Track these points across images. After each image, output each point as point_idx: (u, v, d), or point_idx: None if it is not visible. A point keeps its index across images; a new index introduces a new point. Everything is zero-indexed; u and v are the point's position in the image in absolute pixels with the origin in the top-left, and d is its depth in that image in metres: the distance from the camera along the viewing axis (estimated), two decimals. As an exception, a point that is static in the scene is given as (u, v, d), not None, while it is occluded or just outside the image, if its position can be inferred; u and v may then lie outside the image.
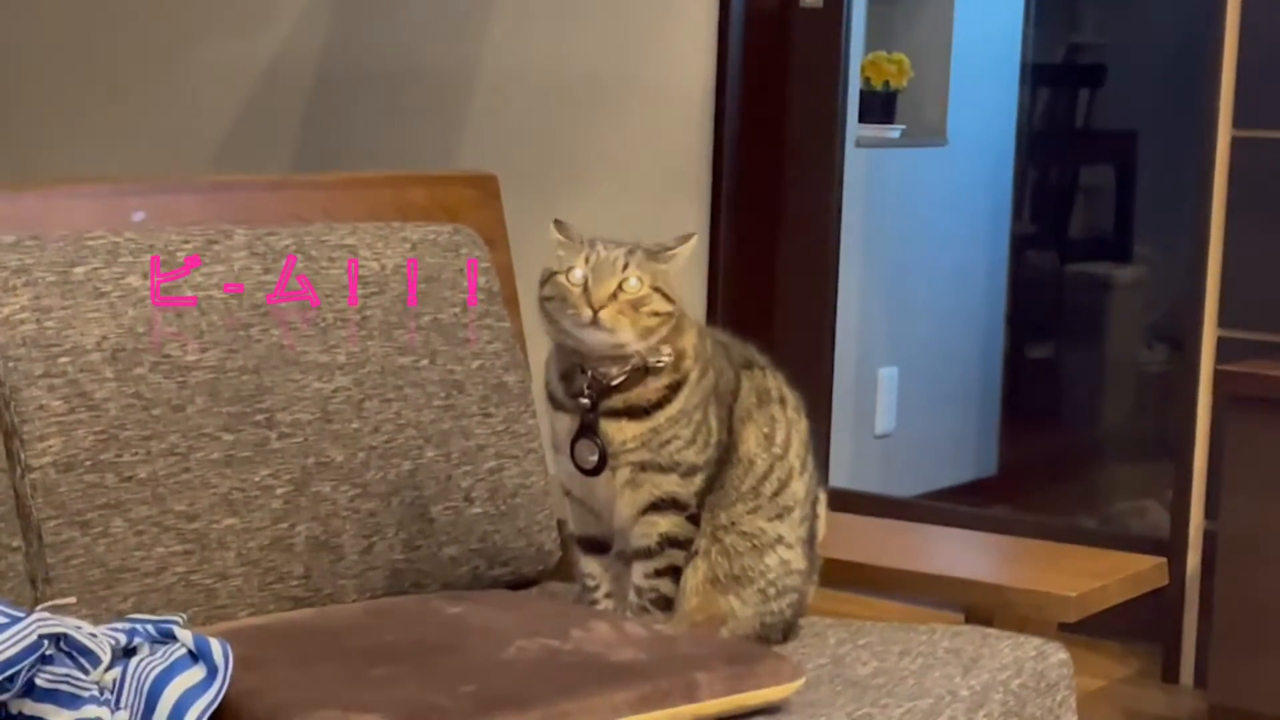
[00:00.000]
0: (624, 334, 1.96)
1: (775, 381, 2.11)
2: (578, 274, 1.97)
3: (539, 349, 2.10)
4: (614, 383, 1.99)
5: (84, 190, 2.26)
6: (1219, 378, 3.35)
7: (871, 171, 4.73)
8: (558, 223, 2.03)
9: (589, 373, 2.00)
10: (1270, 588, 3.14)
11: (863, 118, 4.75)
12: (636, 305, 1.96)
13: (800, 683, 1.86)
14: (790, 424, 2.09)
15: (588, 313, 1.95)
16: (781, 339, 3.99)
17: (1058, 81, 6.26)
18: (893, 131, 4.96)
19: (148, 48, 4.74)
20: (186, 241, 2.13)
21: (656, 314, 1.97)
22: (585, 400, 2.01)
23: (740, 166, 3.99)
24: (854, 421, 4.73)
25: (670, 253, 2.00)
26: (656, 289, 1.97)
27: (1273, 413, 3.11)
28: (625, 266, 1.96)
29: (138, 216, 2.20)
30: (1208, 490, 3.51)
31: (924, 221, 4.98)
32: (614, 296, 1.95)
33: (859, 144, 4.62)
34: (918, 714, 1.89)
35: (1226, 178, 3.44)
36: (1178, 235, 3.95)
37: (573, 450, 2.03)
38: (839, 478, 4.44)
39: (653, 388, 2.00)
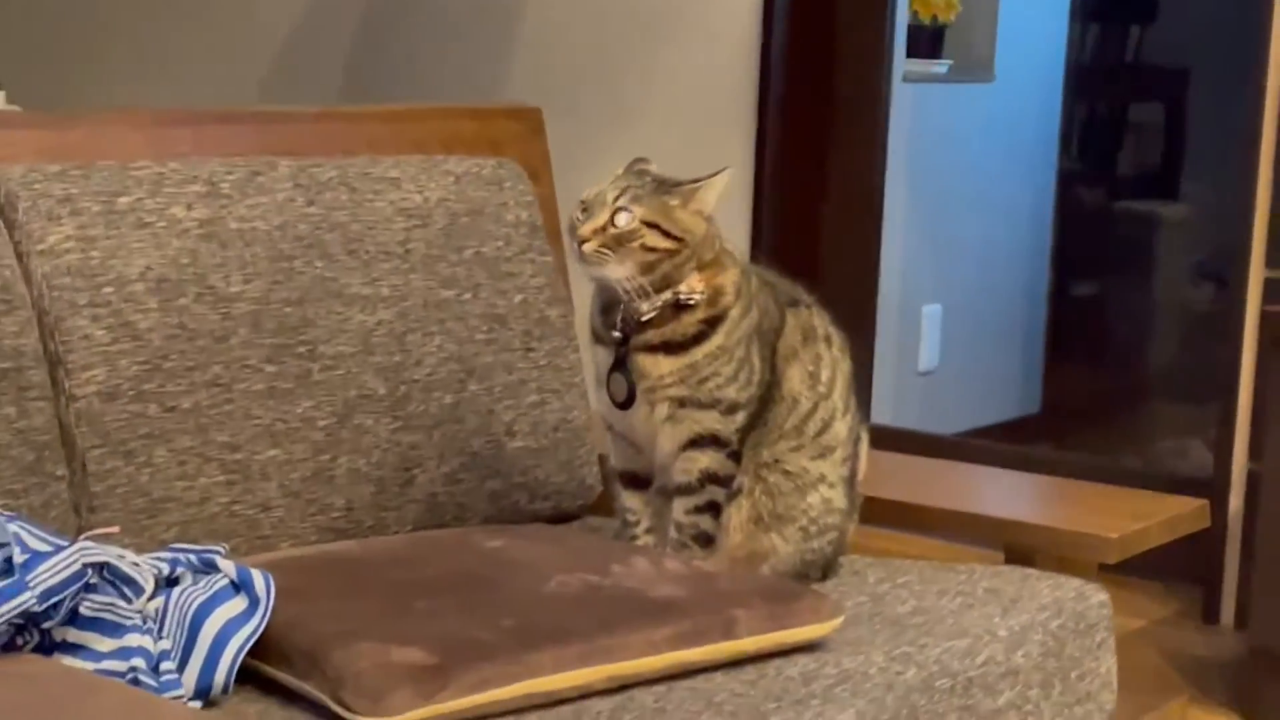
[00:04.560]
0: (610, 268, 1.96)
1: (820, 320, 2.11)
2: (579, 209, 1.98)
3: (583, 283, 2.10)
4: (644, 318, 1.99)
5: (130, 120, 2.26)
6: (1265, 318, 3.33)
7: (918, 107, 4.70)
8: (632, 161, 2.04)
9: (622, 307, 2.00)
10: (1313, 530, 3.13)
11: (910, 52, 4.72)
12: (624, 240, 1.96)
13: (839, 621, 1.87)
14: (835, 363, 2.09)
15: (575, 246, 1.96)
16: (826, 275, 3.97)
17: (1108, 17, 6.20)
18: (940, 67, 4.93)
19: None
20: (230, 172, 2.14)
21: (651, 249, 1.96)
22: (617, 334, 2.01)
23: (786, 101, 3.97)
24: (897, 358, 4.71)
25: (682, 188, 1.99)
26: (652, 224, 1.96)
27: (1319, 355, 3.09)
28: (617, 199, 1.96)
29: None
30: (1252, 431, 3.49)
31: (970, 158, 4.95)
32: (604, 230, 1.95)
33: (906, 79, 4.59)
34: (956, 653, 1.89)
35: (1277, 117, 3.41)
36: (1227, 174, 3.92)
37: (608, 384, 2.04)
38: (881, 415, 4.44)
39: (687, 323, 2.00)
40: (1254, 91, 3.44)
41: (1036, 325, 5.29)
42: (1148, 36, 6.28)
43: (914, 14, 4.87)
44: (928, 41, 4.91)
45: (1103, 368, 5.79)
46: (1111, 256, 6.08)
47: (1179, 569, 3.61)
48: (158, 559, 1.73)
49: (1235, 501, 3.53)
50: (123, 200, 2.04)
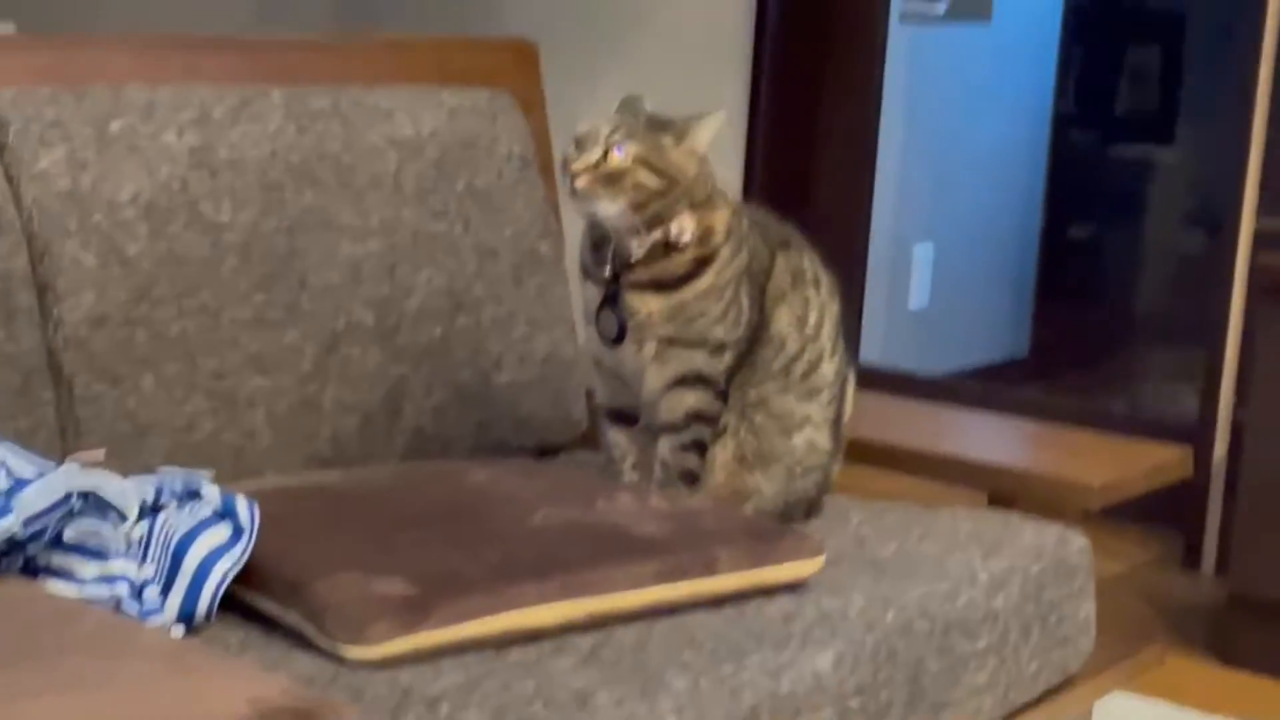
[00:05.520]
0: (602, 204, 1.96)
1: (810, 262, 2.11)
2: (572, 144, 1.98)
3: (575, 218, 2.09)
4: (635, 256, 2.00)
5: (122, 45, 2.25)
6: (1255, 267, 3.33)
7: (915, 47, 4.68)
8: (627, 98, 2.03)
9: (613, 244, 2.00)
10: (1296, 479, 3.14)
11: (908, -9, 4.70)
12: (615, 177, 1.96)
13: (821, 561, 1.88)
14: (823, 306, 2.09)
15: (568, 182, 1.96)
16: (818, 213, 3.97)
17: (1107, -41, 6.18)
18: (937, 7, 4.90)
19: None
20: (222, 100, 2.13)
21: (643, 187, 1.96)
22: (608, 271, 2.01)
23: (782, 39, 3.96)
24: (888, 297, 4.72)
25: (676, 127, 1.99)
26: (644, 162, 1.96)
27: (1307, 305, 3.10)
28: (609, 136, 1.96)
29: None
30: (1239, 379, 3.50)
31: (966, 99, 4.94)
32: (596, 167, 1.95)
33: (903, 19, 4.58)
34: (936, 596, 1.90)
35: (1273, 65, 3.40)
36: (1222, 120, 3.91)
37: (597, 320, 2.04)
38: (871, 353, 4.44)
39: (678, 262, 2.00)
40: (1250, 38, 3.43)
41: (1028, 267, 5.29)
42: (1147, -22, 6.26)
43: (913, -47, 4.85)
44: (926, -19, 4.89)
45: (1093, 311, 5.79)
46: (1105, 200, 6.07)
47: (1162, 514, 3.63)
48: (143, 483, 1.73)
49: (1220, 448, 3.54)
50: (114, 125, 2.03)
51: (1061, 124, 5.51)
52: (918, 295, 4.85)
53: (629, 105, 2.03)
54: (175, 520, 1.71)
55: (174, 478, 1.75)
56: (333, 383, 2.13)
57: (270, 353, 2.08)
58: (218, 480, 1.80)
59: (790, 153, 4.04)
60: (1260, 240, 3.43)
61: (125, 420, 1.98)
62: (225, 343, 2.05)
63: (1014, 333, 5.24)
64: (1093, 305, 5.83)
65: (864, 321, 4.34)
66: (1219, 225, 3.66)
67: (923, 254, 4.84)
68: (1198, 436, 3.51)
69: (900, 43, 4.51)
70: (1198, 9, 6.02)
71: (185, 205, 2.04)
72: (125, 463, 1.94)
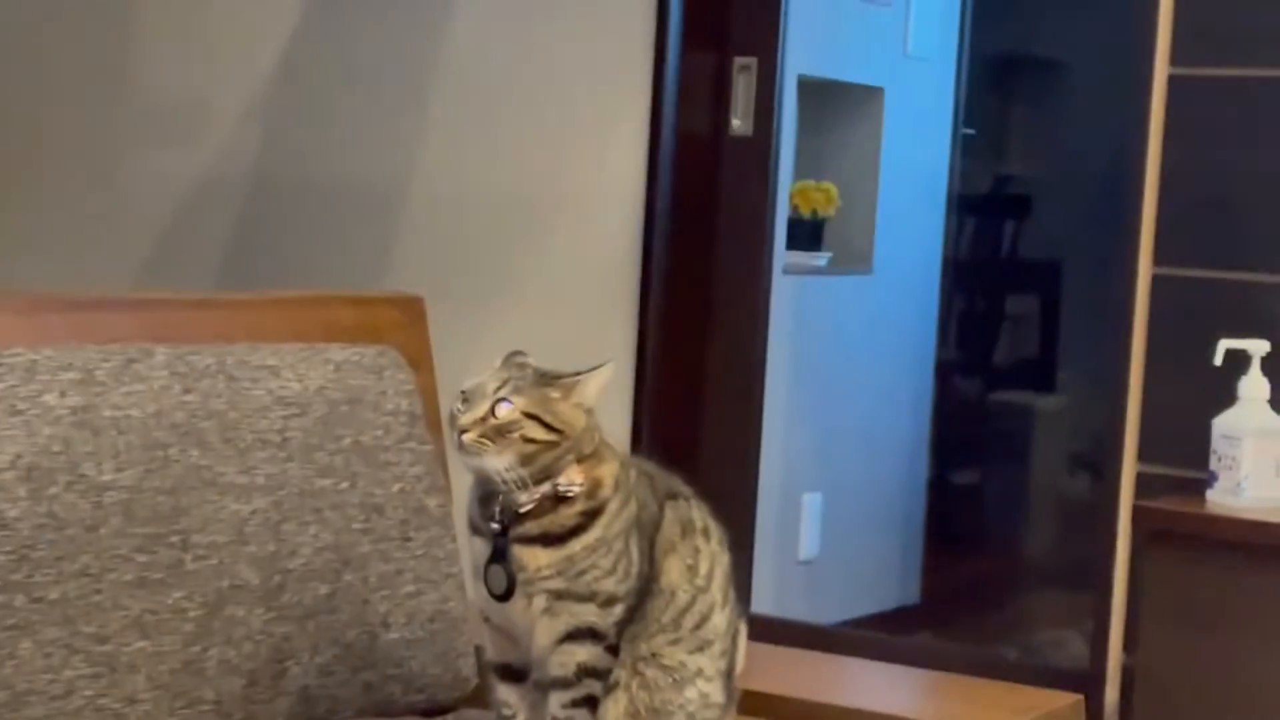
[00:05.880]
0: (490, 459, 1.96)
1: (699, 513, 2.11)
2: (459, 399, 1.98)
3: (462, 473, 2.09)
4: (523, 509, 1.99)
5: (4, 305, 2.24)
6: (1138, 513, 3.37)
7: (799, 298, 4.76)
8: (511, 354, 2.04)
9: (501, 498, 2.00)
10: (1188, 723, 3.14)
11: (790, 245, 4.79)
12: (504, 431, 1.96)
13: (715, 818, 1.85)
14: (713, 556, 2.09)
15: (455, 437, 1.96)
16: (706, 463, 3.99)
17: (984, 212, 6.33)
18: (820, 259, 5.00)
19: (74, 161, 4.72)
20: (106, 360, 2.12)
21: (532, 441, 1.97)
22: (496, 525, 2.00)
23: (668, 291, 4.00)
24: (778, 547, 4.72)
25: (563, 380, 2.00)
26: (532, 416, 1.97)
27: (1190, 549, 3.13)
28: (498, 390, 1.97)
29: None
30: (1127, 624, 3.51)
31: (850, 348, 5.01)
32: (484, 421, 1.96)
33: (786, 271, 4.66)
34: None
35: (1147, 314, 3.47)
36: (1100, 366, 3.98)
37: (485, 576, 2.02)
38: (762, 603, 4.43)
39: (566, 515, 2.00)
40: (1124, 286, 3.50)
41: (916, 514, 5.33)
42: (1023, 231, 6.41)
43: (794, 208, 4.95)
44: (808, 234, 4.99)
45: (982, 557, 5.83)
46: (990, 447, 6.15)
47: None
48: (19, 755, 1.69)
49: (1111, 694, 3.54)
50: (-6, 386, 2.01)
51: (945, 372, 5.60)
52: (807, 545, 4.86)
53: (512, 360, 2.04)
54: (52, 790, 1.66)
55: (52, 746, 1.71)
56: (217, 644, 2.10)
57: (152, 615, 2.05)
58: (97, 748, 1.76)
59: (677, 404, 4.07)
60: (1142, 484, 3.47)
61: (1, 688, 1.93)
62: (107, 605, 2.01)
63: (904, 580, 5.26)
64: (981, 551, 5.87)
65: (754, 572, 4.33)
66: (1101, 470, 3.70)
67: (811, 503, 4.87)
68: (1089, 684, 3.50)
69: (784, 294, 4.57)
70: (1072, 259, 6.16)
71: (66, 466, 2.02)
72: (1, 731, 1.90)
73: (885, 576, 5.18)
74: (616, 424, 3.79)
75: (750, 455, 4.29)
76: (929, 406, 5.37)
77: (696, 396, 4.13)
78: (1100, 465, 3.76)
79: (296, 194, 4.40)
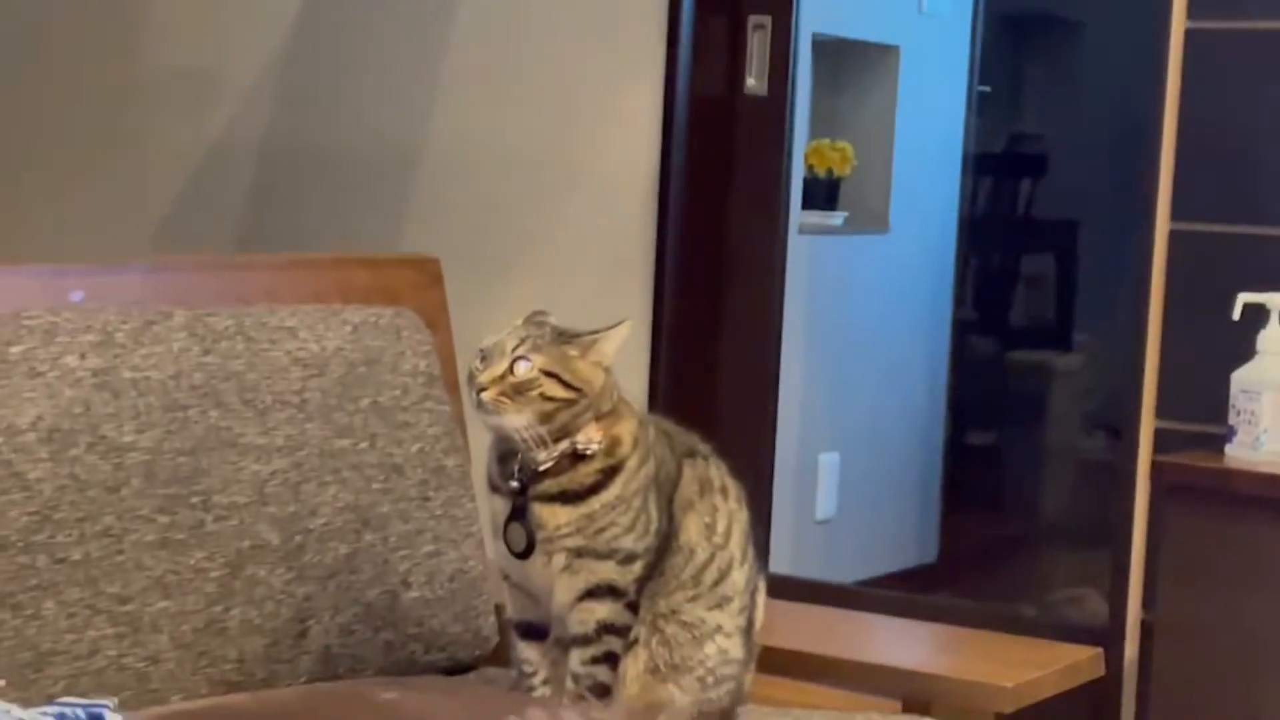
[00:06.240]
0: (508, 417, 1.97)
1: (718, 471, 2.11)
2: (478, 358, 1.99)
3: (480, 432, 2.09)
4: (542, 468, 2.00)
5: (23, 270, 2.25)
6: (1156, 468, 3.36)
7: (814, 258, 4.75)
8: (532, 313, 2.04)
9: (520, 456, 2.00)
10: (1206, 678, 3.15)
11: (806, 205, 4.78)
12: (523, 389, 1.96)
13: (736, 772, 1.86)
14: (732, 514, 2.09)
15: (474, 395, 1.96)
16: (723, 424, 3.99)
17: (1000, 171, 6.32)
18: (835, 218, 4.99)
19: (91, 128, 4.73)
20: (125, 322, 2.12)
21: (550, 399, 1.97)
22: (515, 484, 2.01)
23: (683, 252, 4.00)
24: (795, 507, 4.73)
25: (581, 339, 2.00)
26: (551, 374, 1.97)
27: (1209, 504, 3.13)
28: (516, 349, 1.97)
29: (76, 296, 2.19)
30: (1145, 580, 3.51)
31: (866, 308, 5.00)
32: (502, 379, 1.96)
33: (802, 231, 4.65)
34: (854, 805, 1.88)
35: (1164, 270, 3.47)
36: (1117, 324, 3.98)
37: (505, 534, 2.03)
38: (780, 564, 4.43)
39: (584, 473, 2.00)
40: (1142, 242, 3.50)
41: (933, 474, 5.33)
42: (1039, 190, 6.39)
43: (810, 167, 4.94)
44: (823, 194, 4.98)
45: (999, 516, 5.83)
46: (1007, 406, 6.14)
47: (1075, 718, 3.61)
48: (44, 713, 1.69)
49: (1130, 650, 3.54)
50: (15, 350, 2.02)
51: (961, 332, 5.59)
52: (824, 505, 4.87)
53: (534, 319, 2.04)
54: (77, 749, 1.67)
55: (76, 707, 1.72)
56: (238, 604, 2.11)
57: (175, 575, 2.06)
58: (121, 706, 1.76)
59: (694, 365, 4.07)
60: (1160, 440, 3.46)
61: (25, 648, 1.94)
62: (129, 566, 2.02)
63: (921, 539, 5.26)
64: (999, 510, 5.87)
65: (771, 532, 4.34)
66: (1119, 428, 3.70)
67: (828, 463, 4.87)
68: (1107, 639, 3.51)
69: (800, 254, 4.57)
70: (1089, 217, 6.15)
71: (87, 428, 2.03)
72: (26, 692, 1.91)
73: (903, 536, 5.18)
74: (633, 384, 3.79)
75: (767, 415, 4.29)
76: (945, 366, 5.37)
77: (713, 357, 4.13)
78: (1118, 424, 3.76)
79: (312, 159, 4.40)
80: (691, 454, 2.11)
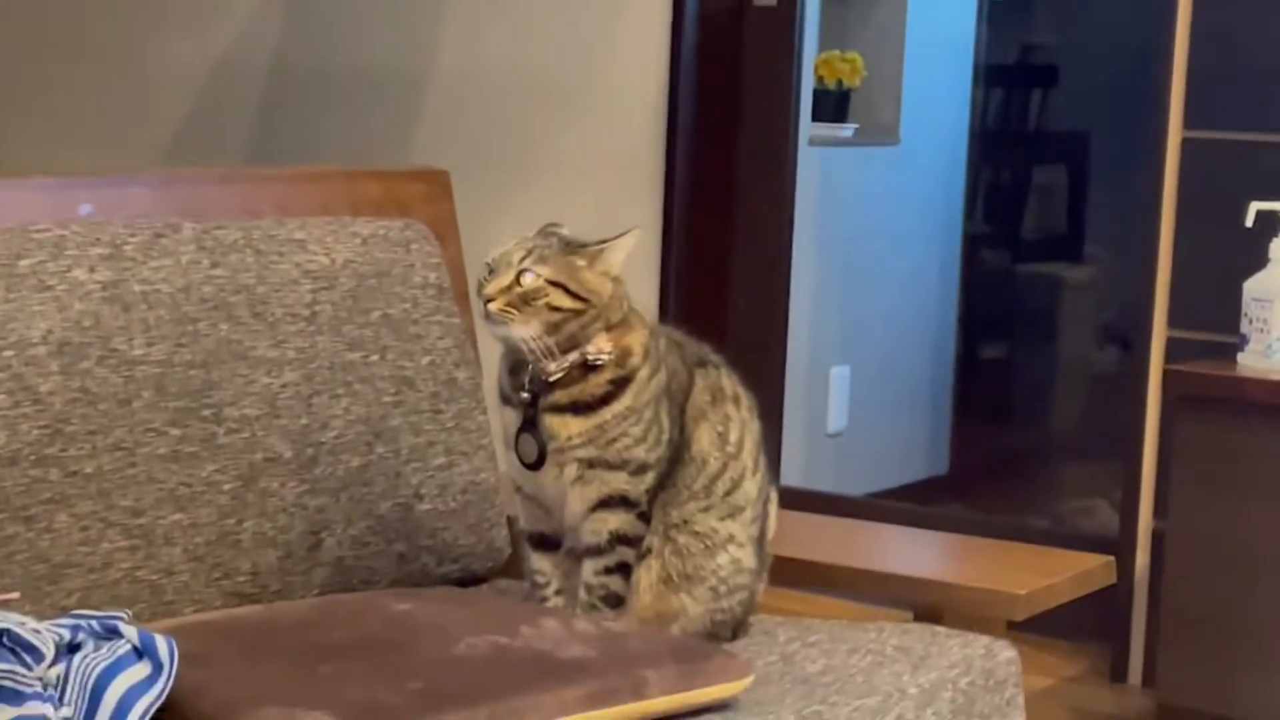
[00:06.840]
0: (517, 327, 1.96)
1: (729, 381, 2.11)
2: (486, 270, 1.98)
3: (491, 345, 2.09)
4: (552, 378, 1.99)
5: (30, 183, 2.24)
6: (1168, 377, 3.37)
7: (824, 170, 4.73)
8: (545, 226, 2.04)
9: (530, 368, 2.00)
10: (1217, 587, 3.16)
11: (816, 116, 4.76)
12: (529, 299, 1.96)
13: (749, 680, 1.86)
14: (744, 424, 2.09)
15: (481, 305, 1.96)
16: (734, 337, 3.99)
17: (1010, 82, 6.28)
18: (846, 130, 4.97)
19: (100, 44, 4.71)
20: (134, 235, 2.12)
21: (557, 309, 1.97)
22: (526, 395, 2.01)
23: (693, 165, 3.99)
24: (806, 420, 4.73)
25: (588, 249, 1.99)
26: (558, 284, 1.97)
27: (1220, 412, 3.13)
28: (523, 259, 1.97)
29: (84, 210, 2.18)
30: (1157, 490, 3.52)
31: (877, 221, 4.99)
32: (509, 289, 1.96)
33: (812, 143, 4.63)
34: (866, 711, 1.89)
35: (1177, 179, 3.46)
36: (1129, 236, 3.96)
37: (516, 445, 2.03)
38: (791, 476, 4.44)
39: (595, 383, 2.00)
40: (1154, 154, 3.48)
41: (944, 387, 5.33)
42: (1050, 101, 6.36)
43: (819, 79, 4.91)
44: (833, 105, 4.95)
45: (1010, 429, 5.84)
46: (1018, 319, 6.14)
47: (1087, 628, 3.63)
48: (59, 625, 1.70)
49: (1141, 560, 3.56)
50: (23, 263, 2.01)
51: (972, 244, 5.57)
52: (835, 417, 4.87)
53: (546, 230, 2.03)
54: (93, 660, 1.68)
55: (91, 619, 1.73)
56: (251, 517, 2.11)
57: (187, 488, 2.06)
58: (135, 618, 1.77)
59: (705, 276, 4.07)
60: (1172, 350, 3.46)
61: (39, 561, 1.95)
62: (141, 479, 2.02)
63: (933, 452, 5.26)
64: (1010, 422, 5.87)
65: (783, 445, 4.35)
66: (1130, 340, 3.70)
67: (839, 376, 4.87)
68: (1119, 549, 3.52)
69: (810, 166, 4.55)
70: (1100, 128, 6.12)
71: (98, 341, 2.02)
72: (40, 605, 1.91)
73: (913, 449, 5.19)
74: (644, 295, 3.78)
75: (778, 327, 4.29)
76: (956, 279, 5.36)
77: (723, 269, 4.12)
78: (1129, 336, 3.76)
79: (319, 77, 4.38)
80: (703, 364, 2.11)
